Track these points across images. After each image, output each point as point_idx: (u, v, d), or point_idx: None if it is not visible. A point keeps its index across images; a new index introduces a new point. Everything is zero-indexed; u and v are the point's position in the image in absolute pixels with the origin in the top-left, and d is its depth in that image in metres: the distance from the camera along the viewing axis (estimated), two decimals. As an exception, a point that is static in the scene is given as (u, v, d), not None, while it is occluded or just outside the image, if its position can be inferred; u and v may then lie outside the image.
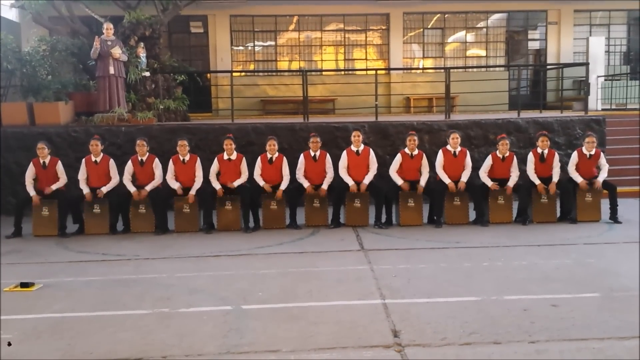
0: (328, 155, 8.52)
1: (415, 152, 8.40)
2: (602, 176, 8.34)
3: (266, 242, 7.54)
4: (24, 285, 5.68)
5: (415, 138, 8.45)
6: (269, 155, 8.38)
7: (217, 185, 8.25)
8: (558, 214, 8.48)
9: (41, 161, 8.28)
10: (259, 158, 8.45)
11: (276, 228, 8.29)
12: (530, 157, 8.50)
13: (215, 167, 8.36)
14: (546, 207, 8.39)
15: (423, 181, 8.34)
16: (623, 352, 3.95)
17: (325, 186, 8.33)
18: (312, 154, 8.43)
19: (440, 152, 8.52)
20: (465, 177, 8.33)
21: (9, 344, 4.22)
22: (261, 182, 8.30)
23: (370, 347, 4.11)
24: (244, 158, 8.48)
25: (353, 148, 8.45)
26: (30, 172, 8.28)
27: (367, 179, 8.30)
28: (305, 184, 8.30)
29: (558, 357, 3.92)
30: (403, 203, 8.37)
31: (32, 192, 8.20)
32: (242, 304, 5.08)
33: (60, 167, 8.37)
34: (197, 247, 7.34)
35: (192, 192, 8.21)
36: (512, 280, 5.64)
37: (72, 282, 5.90)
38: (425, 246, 7.21)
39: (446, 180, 8.29)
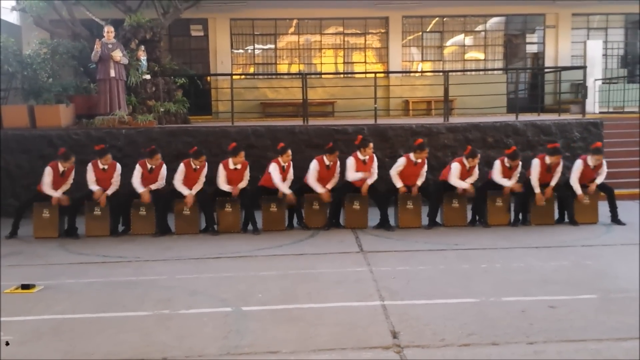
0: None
1: (419, 160, 8.33)
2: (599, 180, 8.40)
3: (266, 244, 7.58)
4: (25, 287, 5.70)
5: (427, 151, 8.36)
6: (282, 163, 8.27)
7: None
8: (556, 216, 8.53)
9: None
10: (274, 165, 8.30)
11: (276, 230, 8.33)
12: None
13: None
14: (544, 209, 8.42)
15: (420, 181, 8.32)
16: (620, 354, 3.98)
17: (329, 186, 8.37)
18: (327, 163, 8.33)
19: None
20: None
21: (7, 344, 4.25)
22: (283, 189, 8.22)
23: (369, 348, 4.14)
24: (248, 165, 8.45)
25: (360, 157, 8.33)
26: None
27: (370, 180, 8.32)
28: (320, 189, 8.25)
29: (556, 358, 3.95)
30: (402, 205, 8.40)
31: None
32: (242, 306, 5.11)
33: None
34: (197, 249, 7.37)
35: (193, 192, 8.18)
36: (510, 282, 5.67)
37: (73, 284, 5.93)
38: (424, 248, 7.24)
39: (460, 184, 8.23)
